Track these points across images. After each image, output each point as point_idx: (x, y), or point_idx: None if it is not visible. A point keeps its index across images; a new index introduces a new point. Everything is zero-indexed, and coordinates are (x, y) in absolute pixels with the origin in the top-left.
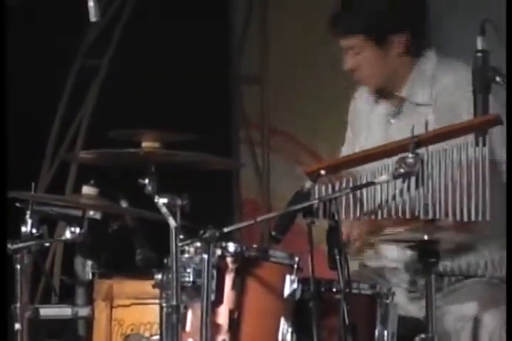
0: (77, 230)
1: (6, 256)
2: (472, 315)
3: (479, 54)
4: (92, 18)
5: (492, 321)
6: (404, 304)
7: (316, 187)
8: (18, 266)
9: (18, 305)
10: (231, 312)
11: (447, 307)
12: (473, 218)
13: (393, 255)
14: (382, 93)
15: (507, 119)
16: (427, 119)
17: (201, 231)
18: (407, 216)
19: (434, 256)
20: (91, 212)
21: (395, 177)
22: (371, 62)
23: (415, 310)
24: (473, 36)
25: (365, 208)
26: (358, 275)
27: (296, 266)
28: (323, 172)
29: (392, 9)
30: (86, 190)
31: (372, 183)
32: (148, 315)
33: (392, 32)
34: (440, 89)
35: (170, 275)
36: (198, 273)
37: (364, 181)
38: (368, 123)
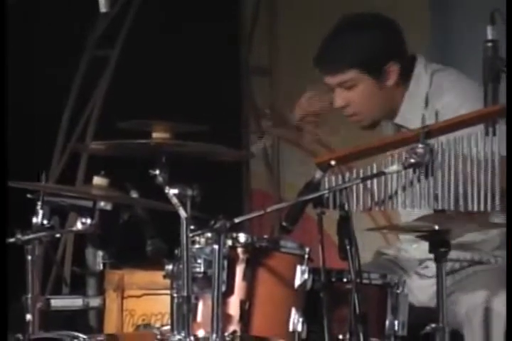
0: (88, 221)
1: (6, 248)
2: (483, 302)
3: (489, 44)
4: (102, 9)
5: (503, 307)
6: (420, 293)
7: (327, 178)
8: (29, 257)
9: (30, 296)
10: (242, 302)
11: (458, 294)
12: (482, 208)
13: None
14: (375, 123)
15: (507, 114)
16: (424, 114)
17: (212, 222)
18: (417, 206)
19: (444, 246)
20: (102, 203)
21: (406, 167)
22: (367, 95)
23: (424, 297)
24: (482, 27)
25: (375, 198)
26: (371, 264)
27: (306, 256)
28: (333, 162)
29: (381, 38)
30: (97, 180)
31: (383, 173)
32: (159, 305)
33: (385, 61)
34: (442, 108)
35: (181, 266)
36: (208, 264)
37: (374, 171)
38: None
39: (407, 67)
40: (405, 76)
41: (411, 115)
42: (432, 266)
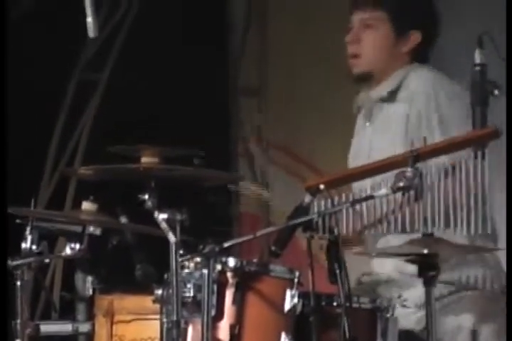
0: (77, 246)
1: (7, 272)
2: (469, 326)
3: (477, 67)
4: (91, 34)
5: (488, 332)
6: (405, 320)
7: (316, 202)
8: (19, 283)
9: (19, 321)
10: (232, 327)
11: (445, 318)
12: (472, 231)
13: (384, 269)
14: (366, 76)
15: (507, 129)
16: (425, 136)
17: (201, 246)
18: (407, 230)
19: (433, 270)
20: (91, 228)
21: (394, 190)
22: (379, 42)
23: (410, 323)
24: (468, 50)
25: (364, 222)
26: (358, 290)
27: (296, 280)
28: (322, 186)
29: (430, 6)
30: (86, 205)
31: (372, 197)
32: (149, 330)
33: (415, 26)
34: (413, 92)
35: (170, 291)
36: (198, 288)
37: (363, 195)
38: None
39: (422, 55)
40: (415, 59)
41: (384, 87)
42: (411, 296)
